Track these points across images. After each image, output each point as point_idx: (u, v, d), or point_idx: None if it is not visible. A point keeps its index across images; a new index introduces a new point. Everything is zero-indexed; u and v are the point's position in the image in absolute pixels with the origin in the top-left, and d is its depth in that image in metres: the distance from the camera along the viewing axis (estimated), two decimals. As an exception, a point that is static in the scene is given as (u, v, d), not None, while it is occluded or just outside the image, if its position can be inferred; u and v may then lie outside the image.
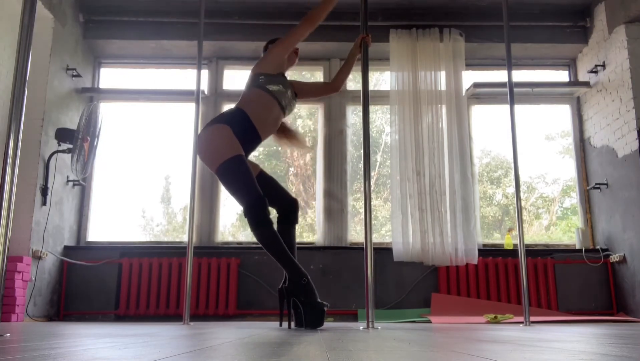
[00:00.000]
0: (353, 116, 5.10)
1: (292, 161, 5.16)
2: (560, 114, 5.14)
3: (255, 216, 2.48)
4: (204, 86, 5.01)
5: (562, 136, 5.15)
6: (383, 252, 4.48)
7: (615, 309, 4.43)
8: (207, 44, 4.81)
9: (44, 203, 4.12)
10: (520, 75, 5.16)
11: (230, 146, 2.53)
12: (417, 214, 4.52)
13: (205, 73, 5.02)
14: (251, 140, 2.65)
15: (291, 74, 5.41)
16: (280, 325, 2.79)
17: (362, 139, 2.90)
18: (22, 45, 2.06)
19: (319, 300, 2.53)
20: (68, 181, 4.51)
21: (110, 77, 5.16)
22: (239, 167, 2.50)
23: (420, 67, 4.81)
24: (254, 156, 5.18)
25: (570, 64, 5.14)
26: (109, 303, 4.41)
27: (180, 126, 5.06)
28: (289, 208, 2.80)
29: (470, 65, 5.04)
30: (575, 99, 5.04)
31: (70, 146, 4.23)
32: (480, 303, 4.38)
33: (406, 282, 4.50)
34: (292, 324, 2.68)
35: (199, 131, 2.63)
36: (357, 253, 4.50)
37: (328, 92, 3.07)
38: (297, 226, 2.87)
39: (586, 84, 4.83)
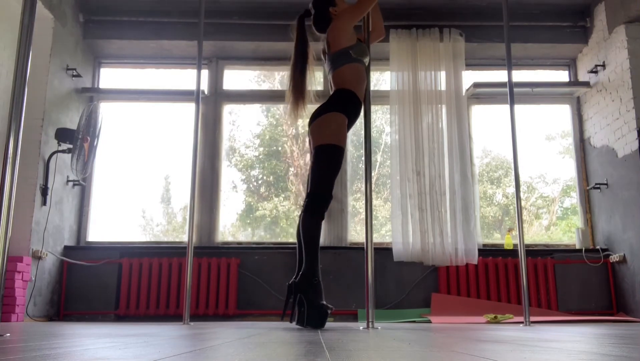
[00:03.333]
0: (353, 116, 5.09)
1: (292, 161, 5.16)
2: (560, 114, 5.14)
3: (317, 205, 2.63)
4: (204, 86, 5.01)
5: (562, 136, 5.15)
6: (383, 252, 4.47)
7: (615, 309, 4.43)
8: (207, 44, 4.81)
9: (44, 203, 4.12)
10: (520, 75, 5.16)
11: (341, 135, 2.70)
12: (417, 214, 4.52)
13: (205, 73, 5.02)
14: (358, 111, 2.83)
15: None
16: (282, 319, 2.79)
17: (362, 139, 2.91)
18: (22, 45, 2.06)
19: (324, 302, 2.54)
20: (68, 181, 4.51)
21: (110, 77, 5.16)
22: (337, 159, 2.68)
23: (420, 67, 4.81)
24: (254, 156, 5.17)
25: (570, 64, 5.14)
26: (109, 303, 4.41)
27: (180, 126, 5.06)
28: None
29: (470, 65, 5.03)
30: (575, 99, 5.04)
31: (70, 146, 4.23)
32: (480, 303, 4.38)
33: (406, 282, 4.50)
34: (294, 323, 2.68)
35: (316, 108, 2.81)
36: (357, 253, 4.50)
37: (377, 39, 3.13)
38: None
39: (586, 84, 4.82)
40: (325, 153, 2.66)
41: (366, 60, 2.87)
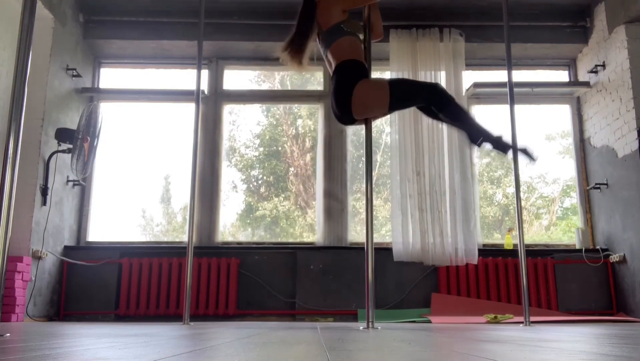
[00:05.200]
0: (353, 116, 5.09)
1: (292, 161, 5.16)
2: (560, 114, 5.13)
3: (443, 95, 2.70)
4: (204, 86, 5.01)
5: (562, 136, 5.15)
6: (383, 252, 4.47)
7: (615, 309, 4.43)
8: (207, 44, 4.80)
9: (44, 203, 4.12)
10: (520, 75, 5.16)
11: (382, 87, 2.71)
12: (417, 214, 4.52)
13: (205, 73, 5.02)
14: (369, 75, 2.84)
15: (291, 74, 5.41)
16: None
17: (362, 139, 2.90)
18: (22, 45, 2.06)
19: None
20: (68, 181, 4.51)
21: (110, 77, 5.16)
22: (401, 87, 2.75)
23: (420, 67, 4.81)
24: (254, 156, 5.17)
25: (570, 64, 5.14)
26: (109, 303, 4.41)
27: (180, 126, 5.06)
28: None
29: (470, 65, 5.03)
30: (575, 99, 5.04)
31: (70, 146, 4.22)
32: (480, 303, 4.38)
33: (406, 282, 4.50)
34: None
35: (333, 97, 2.78)
36: (357, 253, 4.50)
37: (374, 40, 3.10)
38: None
39: (586, 84, 4.82)
40: (398, 101, 2.71)
41: (360, 35, 2.88)
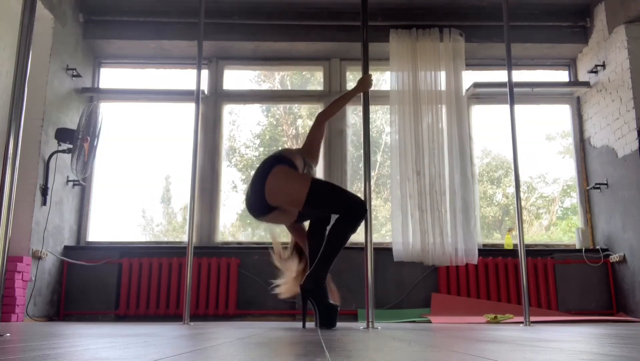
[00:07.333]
0: (353, 116, 5.10)
1: (292, 161, 5.16)
2: (560, 114, 5.13)
3: (361, 218, 2.56)
4: (204, 86, 5.01)
5: (562, 136, 5.15)
6: (383, 252, 4.47)
7: (615, 309, 4.43)
8: (207, 44, 4.80)
9: (44, 203, 4.12)
10: (520, 75, 5.16)
11: (300, 179, 2.59)
12: (417, 214, 4.51)
13: (205, 73, 5.02)
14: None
15: (291, 74, 5.42)
16: (304, 326, 2.71)
17: (362, 139, 2.90)
18: (22, 45, 2.06)
19: (331, 301, 2.55)
20: (68, 181, 4.51)
21: (110, 77, 5.15)
22: (324, 185, 2.61)
23: (420, 67, 4.81)
24: (254, 156, 5.17)
25: (570, 64, 5.14)
26: (109, 303, 4.41)
27: (180, 126, 5.06)
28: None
29: (470, 65, 5.03)
30: (575, 99, 5.04)
31: (70, 146, 4.22)
32: (480, 303, 4.38)
33: (406, 282, 4.50)
34: (307, 323, 2.69)
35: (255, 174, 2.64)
36: (357, 253, 4.48)
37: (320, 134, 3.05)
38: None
39: (586, 84, 4.82)
40: (315, 197, 2.55)
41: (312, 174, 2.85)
